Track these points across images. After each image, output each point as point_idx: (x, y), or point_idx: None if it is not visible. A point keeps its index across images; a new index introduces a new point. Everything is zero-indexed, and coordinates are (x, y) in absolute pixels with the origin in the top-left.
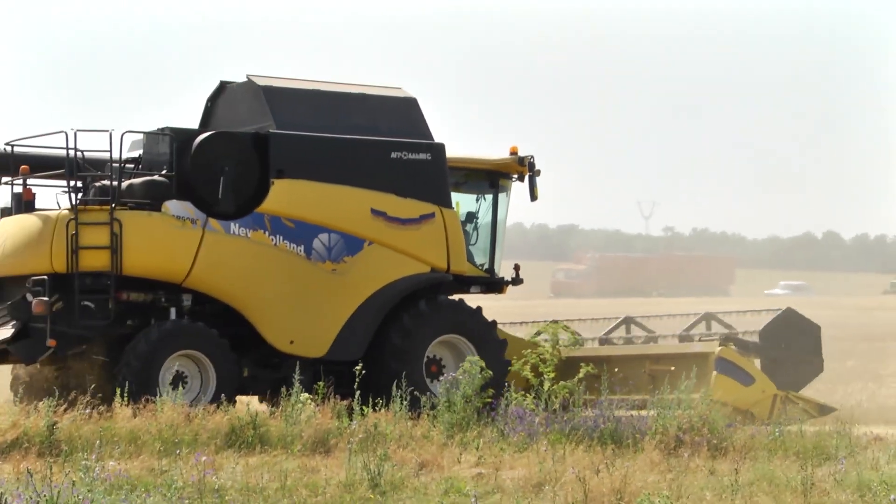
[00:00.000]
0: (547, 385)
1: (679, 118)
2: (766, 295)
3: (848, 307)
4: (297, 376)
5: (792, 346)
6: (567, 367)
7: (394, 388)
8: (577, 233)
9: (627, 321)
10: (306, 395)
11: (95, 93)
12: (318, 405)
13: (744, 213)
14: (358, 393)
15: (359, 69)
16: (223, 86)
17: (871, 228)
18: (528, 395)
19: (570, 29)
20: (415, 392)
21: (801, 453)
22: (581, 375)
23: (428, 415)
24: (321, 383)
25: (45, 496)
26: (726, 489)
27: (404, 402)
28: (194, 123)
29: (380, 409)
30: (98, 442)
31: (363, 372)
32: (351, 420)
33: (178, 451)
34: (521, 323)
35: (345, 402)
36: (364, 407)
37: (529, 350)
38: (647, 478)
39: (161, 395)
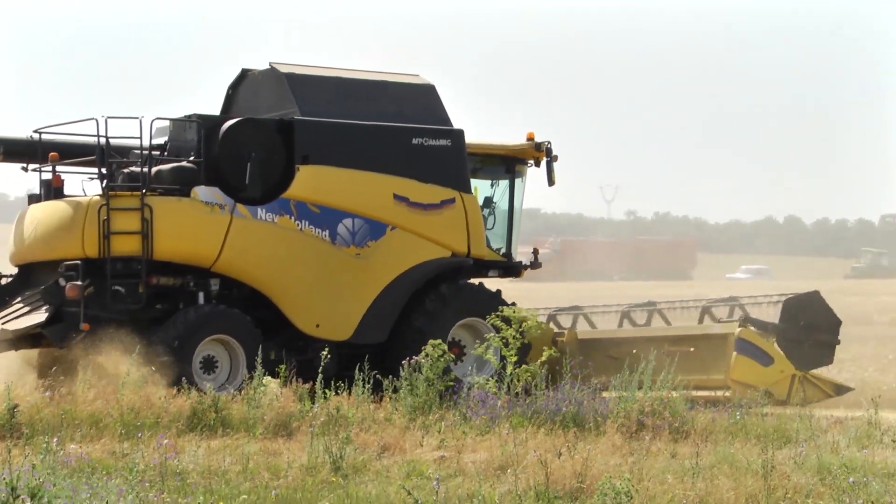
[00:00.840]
0: (510, 368)
1: (641, 102)
2: (727, 279)
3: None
4: (249, 358)
5: (810, 327)
6: (583, 350)
7: (356, 371)
8: (539, 217)
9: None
10: (269, 378)
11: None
12: (281, 388)
13: (706, 197)
14: (321, 376)
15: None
16: (245, 73)
17: (832, 213)
18: (491, 379)
19: (534, 15)
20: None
21: (762, 437)
22: (544, 359)
23: (390, 398)
24: (283, 366)
25: (4, 479)
26: (687, 472)
27: (367, 386)
28: (208, 110)
29: (342, 393)
30: (59, 425)
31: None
32: (313, 403)
33: (139, 435)
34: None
35: (307, 386)
36: (326, 390)
37: (492, 335)
38: (608, 461)
39: (194, 379)
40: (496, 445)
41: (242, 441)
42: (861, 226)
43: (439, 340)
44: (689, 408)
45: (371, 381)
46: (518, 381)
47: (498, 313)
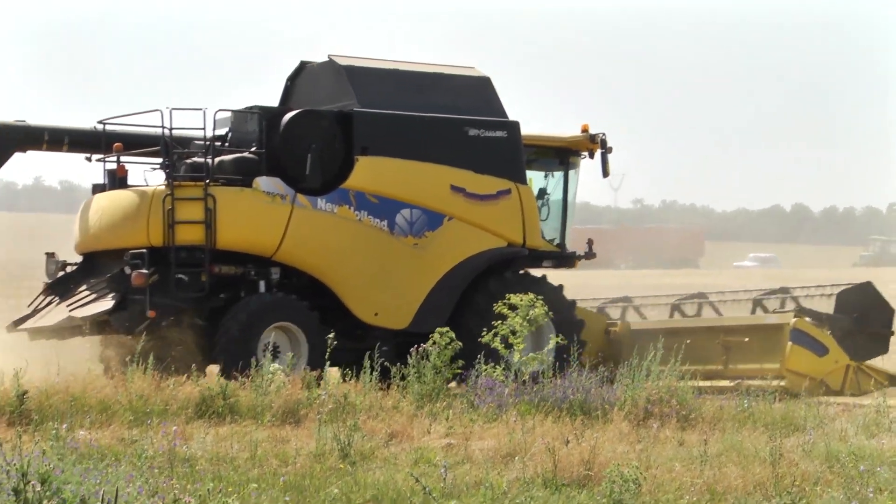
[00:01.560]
0: (517, 356)
1: (648, 91)
2: (735, 267)
3: (817, 280)
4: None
5: (864, 318)
6: (636, 339)
7: (366, 359)
8: None
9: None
10: (276, 365)
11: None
12: (288, 375)
13: (713, 185)
14: (328, 363)
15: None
16: (303, 65)
17: (839, 201)
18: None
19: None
20: (493, 362)
21: (770, 424)
22: (551, 346)
23: (398, 386)
24: (290, 354)
25: (14, 465)
26: (695, 460)
27: (374, 373)
28: (264, 102)
29: (350, 380)
30: (68, 411)
31: None
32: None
33: (148, 421)
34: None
35: (315, 373)
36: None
37: (499, 322)
38: (616, 448)
39: (259, 366)
40: (504, 433)
41: (250, 428)
42: (869, 214)
43: (447, 329)
44: (696, 396)
45: (379, 369)
46: (526, 368)
47: (505, 301)
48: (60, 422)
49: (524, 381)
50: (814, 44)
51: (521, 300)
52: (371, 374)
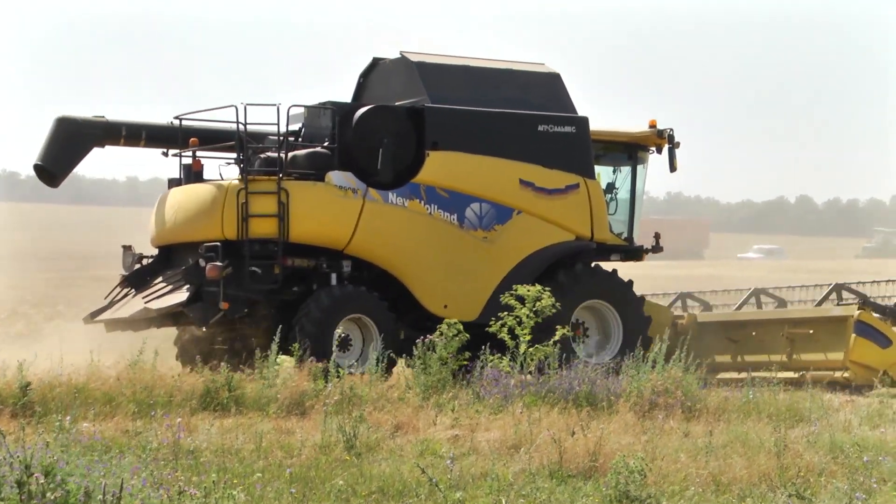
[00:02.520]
0: (523, 348)
1: (652, 83)
2: (739, 259)
3: (821, 271)
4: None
5: None
6: (702, 332)
7: (371, 349)
8: None
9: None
10: (283, 356)
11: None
12: (294, 367)
13: (717, 177)
14: (334, 354)
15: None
16: (376, 62)
17: (843, 193)
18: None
19: None
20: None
21: (775, 415)
22: (557, 338)
23: (404, 377)
24: (296, 345)
25: (18, 457)
26: (700, 451)
27: (381, 364)
28: (337, 97)
29: (355, 373)
30: (72, 403)
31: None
32: (327, 382)
33: (152, 413)
34: None
35: (321, 364)
36: (340, 369)
37: (505, 313)
38: (621, 440)
39: (332, 357)
40: (509, 424)
41: (256, 420)
42: (872, 205)
43: (455, 319)
44: (701, 387)
45: (385, 360)
46: (531, 360)
47: (512, 292)
48: (64, 414)
49: (530, 373)
50: (819, 36)
51: (528, 292)
52: (377, 365)
